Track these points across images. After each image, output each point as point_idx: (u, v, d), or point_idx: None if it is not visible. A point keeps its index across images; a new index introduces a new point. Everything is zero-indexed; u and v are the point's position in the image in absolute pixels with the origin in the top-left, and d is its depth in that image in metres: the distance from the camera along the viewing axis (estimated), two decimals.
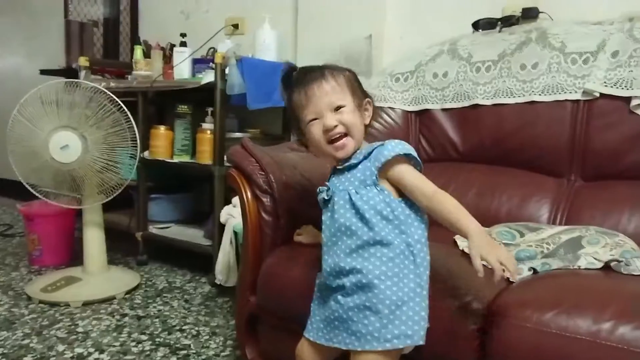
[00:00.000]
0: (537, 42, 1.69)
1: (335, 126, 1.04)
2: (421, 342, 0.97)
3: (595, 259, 1.16)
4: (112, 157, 2.06)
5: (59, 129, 1.99)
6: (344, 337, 1.01)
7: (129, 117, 2.05)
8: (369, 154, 1.05)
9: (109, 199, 2.14)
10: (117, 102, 2.03)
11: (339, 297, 1.03)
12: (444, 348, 1.05)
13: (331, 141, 1.05)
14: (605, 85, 1.54)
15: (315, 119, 1.05)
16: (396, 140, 1.06)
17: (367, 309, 0.99)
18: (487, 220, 1.53)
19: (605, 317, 0.93)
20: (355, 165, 1.06)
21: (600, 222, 1.42)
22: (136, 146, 2.09)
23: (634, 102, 1.49)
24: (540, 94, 1.64)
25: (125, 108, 2.05)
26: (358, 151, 1.08)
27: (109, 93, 2.03)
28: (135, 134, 2.07)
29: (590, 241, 1.21)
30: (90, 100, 2.03)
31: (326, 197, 1.09)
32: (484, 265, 0.93)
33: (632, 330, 0.90)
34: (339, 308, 1.02)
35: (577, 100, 1.59)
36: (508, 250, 1.23)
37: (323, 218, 1.11)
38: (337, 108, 1.04)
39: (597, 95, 1.55)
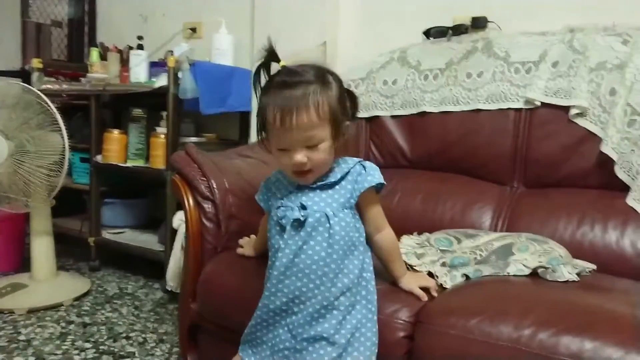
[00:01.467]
0: (483, 52, 1.72)
1: (305, 163, 0.96)
2: None
3: (524, 265, 1.18)
4: (45, 160, 1.99)
5: None
6: None
7: (57, 119, 1.98)
8: (347, 173, 1.01)
9: (52, 203, 2.09)
10: (47, 104, 1.97)
11: (292, 327, 1.00)
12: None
13: (297, 171, 0.99)
14: (546, 95, 1.58)
15: (285, 149, 0.97)
16: (371, 164, 1.04)
17: (324, 339, 0.97)
18: (432, 226, 1.56)
19: (526, 323, 0.95)
20: (332, 185, 1.01)
21: (539, 229, 1.44)
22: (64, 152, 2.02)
23: (572, 112, 1.53)
24: (484, 102, 1.67)
25: (54, 111, 1.97)
26: (330, 169, 1.02)
27: (39, 94, 1.96)
28: (63, 138, 2.00)
29: (520, 248, 1.23)
30: (23, 102, 1.97)
31: (302, 219, 0.98)
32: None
33: (550, 337, 0.92)
34: (291, 338, 1.00)
35: (520, 109, 1.62)
36: (443, 256, 1.25)
37: (279, 240, 1.02)
38: (313, 144, 0.95)
39: (538, 104, 1.58)
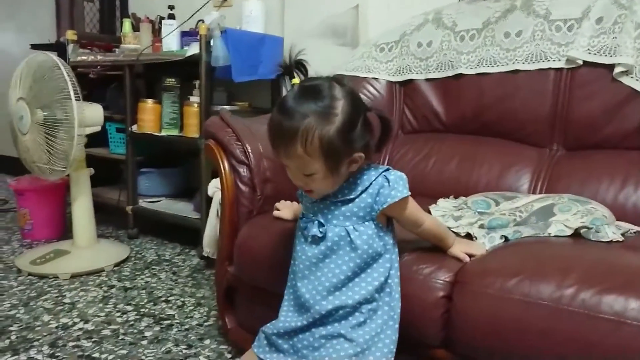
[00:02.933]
0: (522, 10, 1.66)
1: (303, 186, 0.98)
2: None
3: (565, 226, 1.15)
4: (55, 131, 2.00)
5: (19, 100, 2.02)
6: None
7: (71, 92, 1.95)
8: (367, 187, 0.97)
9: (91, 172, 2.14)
10: (69, 76, 1.96)
11: (311, 326, 1.00)
12: (411, 316, 1.05)
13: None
14: (589, 53, 1.51)
15: (287, 165, 0.97)
16: (398, 174, 0.99)
17: (342, 337, 0.97)
18: (467, 190, 1.54)
19: (567, 282, 0.93)
20: (352, 200, 0.98)
21: (579, 191, 1.40)
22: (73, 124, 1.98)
23: (617, 70, 1.46)
24: (523, 63, 1.62)
25: (70, 82, 1.94)
26: (352, 179, 0.98)
27: (61, 66, 1.96)
28: (73, 110, 1.95)
29: (561, 209, 1.20)
30: (48, 73, 1.99)
31: (320, 235, 0.98)
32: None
33: (593, 296, 0.90)
34: (310, 336, 1.00)
35: (560, 69, 1.57)
36: (481, 219, 1.23)
37: (302, 247, 1.03)
38: (307, 174, 0.94)
39: (580, 62, 1.53)
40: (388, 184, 0.97)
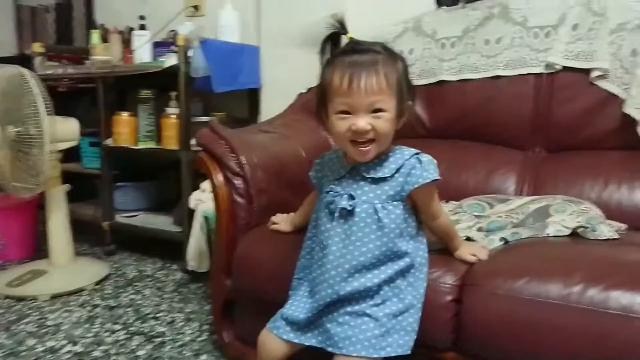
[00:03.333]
0: (500, 17, 1.71)
1: (367, 131, 0.93)
2: (408, 352, 0.99)
3: (563, 226, 1.19)
4: (28, 148, 1.93)
5: None
6: (334, 340, 0.98)
7: (39, 105, 1.86)
8: (401, 166, 0.99)
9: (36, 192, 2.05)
10: (39, 90, 1.88)
11: (336, 302, 1.01)
12: (421, 320, 1.06)
13: (355, 142, 0.96)
14: (567, 58, 1.58)
15: (346, 112, 0.94)
16: (429, 157, 1.01)
17: (366, 315, 0.98)
18: (457, 194, 1.57)
19: (574, 280, 0.97)
20: (384, 179, 0.99)
21: (565, 192, 1.46)
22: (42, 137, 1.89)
23: (593, 74, 1.54)
24: (504, 69, 1.67)
25: (43, 98, 1.87)
26: (384, 157, 1.00)
27: (31, 80, 1.88)
28: (42, 124, 1.87)
29: (557, 209, 1.25)
30: (16, 88, 1.91)
31: (349, 208, 0.98)
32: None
33: (600, 292, 0.94)
34: (333, 310, 1.00)
35: (540, 74, 1.63)
36: (478, 222, 1.26)
37: (327, 225, 1.02)
38: (376, 110, 0.93)
39: (559, 68, 1.59)
40: (420, 165, 0.99)
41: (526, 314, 0.98)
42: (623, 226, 1.28)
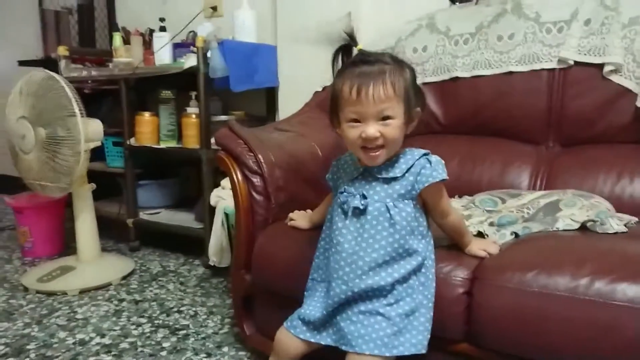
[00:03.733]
0: (513, 13, 1.73)
1: (376, 138, 0.98)
2: (423, 351, 1.03)
3: (572, 220, 1.22)
4: (58, 148, 2.02)
5: (20, 119, 2.03)
6: (348, 339, 1.02)
7: (74, 107, 1.96)
8: (411, 166, 1.03)
9: (91, 187, 2.14)
10: (71, 93, 1.98)
11: (350, 301, 1.04)
12: (434, 313, 1.09)
13: (365, 148, 1.00)
14: (579, 53, 1.59)
15: (356, 120, 0.99)
16: (438, 158, 1.06)
17: (379, 315, 1.02)
18: (469, 189, 1.60)
19: (582, 273, 0.99)
20: (396, 178, 1.03)
21: (578, 186, 1.48)
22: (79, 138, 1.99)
23: (606, 69, 1.54)
24: (517, 64, 1.69)
25: (72, 97, 1.96)
26: (395, 159, 1.04)
27: (63, 83, 1.98)
28: (77, 124, 1.97)
29: (567, 204, 1.27)
30: (47, 90, 2.00)
31: (361, 207, 1.03)
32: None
33: (607, 284, 0.96)
34: (348, 309, 1.05)
35: (553, 69, 1.64)
36: (490, 216, 1.29)
37: (341, 224, 1.06)
38: (385, 118, 0.98)
39: (572, 63, 1.60)
40: (430, 165, 1.04)
41: (535, 306, 1.01)
42: (634, 219, 1.29)
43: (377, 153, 1.00)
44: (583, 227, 1.22)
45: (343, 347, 1.04)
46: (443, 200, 1.09)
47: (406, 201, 1.04)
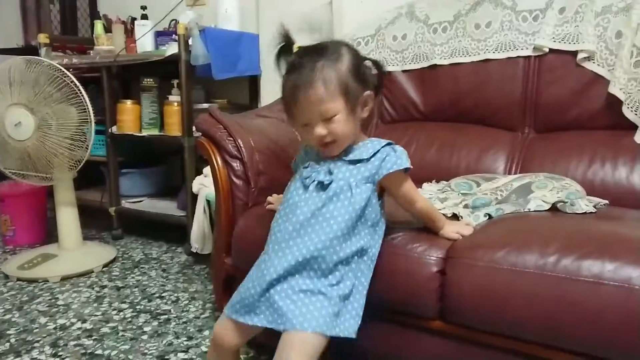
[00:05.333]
0: (490, 2, 1.76)
1: (324, 136, 1.02)
2: (354, 336, 1.02)
3: (543, 201, 1.25)
4: (66, 133, 2.05)
5: (12, 107, 2.00)
6: (288, 317, 0.98)
7: (80, 92, 2.03)
8: (378, 151, 1.06)
9: (75, 171, 2.15)
10: (68, 77, 2.02)
11: (294, 278, 1.02)
12: (409, 291, 1.13)
13: (322, 143, 1.05)
14: (554, 41, 1.62)
15: (306, 124, 1.04)
16: (401, 148, 1.08)
17: (321, 294, 1.00)
18: (448, 174, 1.63)
19: (550, 251, 1.02)
20: (361, 161, 1.06)
21: (551, 170, 1.51)
22: (89, 121, 2.06)
23: (580, 56, 1.58)
24: (494, 52, 1.72)
25: (77, 82, 2.02)
26: (362, 144, 1.08)
27: (61, 68, 2.01)
28: (87, 109, 2.04)
29: (539, 186, 1.30)
30: (44, 76, 2.01)
31: (326, 182, 1.04)
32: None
33: (574, 261, 0.99)
34: (288, 288, 1.01)
35: (529, 57, 1.67)
36: (464, 199, 1.32)
37: (297, 198, 1.07)
38: (329, 117, 1.01)
39: (547, 50, 1.63)
40: (394, 153, 1.07)
41: (505, 284, 1.04)
42: (604, 201, 1.33)
43: (331, 147, 1.05)
44: (554, 208, 1.25)
45: (281, 327, 0.99)
46: (406, 188, 1.11)
47: (368, 184, 1.06)
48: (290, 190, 1.12)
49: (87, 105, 2.03)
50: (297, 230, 1.04)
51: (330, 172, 1.06)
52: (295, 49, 1.08)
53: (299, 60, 1.02)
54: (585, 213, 1.20)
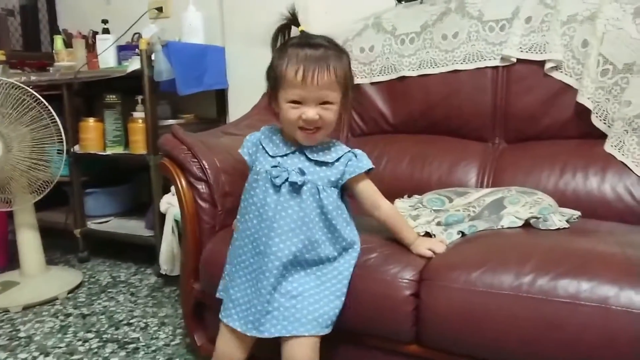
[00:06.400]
0: (457, 12, 1.74)
1: (316, 120, 1.02)
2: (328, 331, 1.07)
3: (516, 217, 1.23)
4: (38, 154, 1.98)
5: None
6: (284, 325, 1.03)
7: (50, 112, 1.96)
8: (341, 156, 1.08)
9: (40, 197, 2.06)
10: (35, 96, 1.94)
11: (285, 282, 1.05)
12: (383, 315, 1.10)
13: (303, 128, 1.04)
14: (521, 51, 1.62)
15: (297, 101, 1.02)
16: (361, 152, 1.12)
17: (300, 296, 1.05)
18: (421, 187, 1.60)
19: (525, 271, 1.00)
20: (326, 163, 1.08)
21: (523, 182, 1.50)
22: (62, 140, 2.01)
23: (547, 65, 1.57)
24: (462, 63, 1.70)
25: (45, 102, 1.96)
26: (326, 144, 1.10)
27: (25, 87, 1.94)
28: (59, 128, 1.99)
29: (511, 201, 1.28)
30: (6, 97, 1.93)
31: (299, 183, 1.04)
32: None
33: (549, 282, 0.97)
34: (284, 295, 1.04)
35: (497, 67, 1.66)
36: (437, 216, 1.29)
37: (269, 199, 1.06)
38: (324, 103, 1.02)
39: (514, 60, 1.63)
40: (355, 157, 1.10)
41: (481, 306, 1.01)
42: (577, 213, 1.32)
43: (314, 134, 1.05)
44: (527, 224, 1.23)
45: (284, 333, 1.03)
46: (371, 189, 1.13)
47: (333, 188, 1.08)
48: (255, 192, 1.09)
49: (59, 125, 1.97)
50: (276, 231, 1.04)
51: (302, 172, 1.05)
52: (298, 31, 1.11)
53: (314, 40, 1.03)
54: (559, 229, 1.19)
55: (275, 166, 1.08)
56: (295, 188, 1.05)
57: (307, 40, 1.03)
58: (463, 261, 1.08)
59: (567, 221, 1.22)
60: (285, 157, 1.09)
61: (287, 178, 1.05)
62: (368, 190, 1.12)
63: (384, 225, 1.16)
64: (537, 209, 1.24)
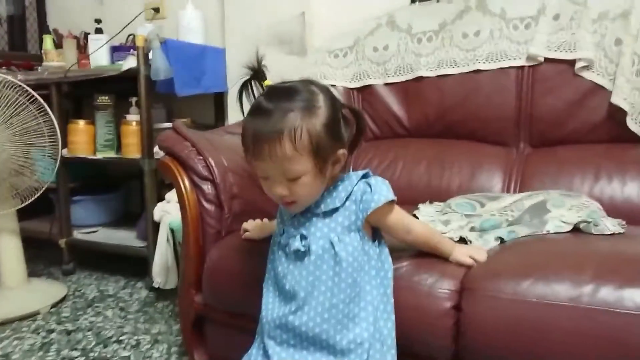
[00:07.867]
0: (477, 9, 1.65)
1: (285, 196, 0.87)
2: None
3: (562, 222, 1.11)
4: (28, 156, 1.83)
5: None
6: None
7: (46, 110, 1.82)
8: (350, 193, 0.90)
9: (26, 203, 1.91)
10: (29, 94, 1.81)
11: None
12: (418, 331, 0.97)
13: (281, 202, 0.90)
14: (549, 49, 1.52)
15: (266, 178, 0.87)
16: (379, 179, 0.93)
17: None
18: (440, 193, 1.49)
19: (584, 280, 0.88)
20: (336, 209, 0.90)
21: (553, 188, 1.39)
22: (55, 142, 1.86)
23: (578, 65, 1.48)
24: (484, 62, 1.60)
25: (40, 99, 1.83)
26: (333, 187, 0.91)
27: (20, 83, 1.80)
28: (53, 128, 1.84)
29: (555, 204, 1.17)
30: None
31: (302, 249, 0.89)
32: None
33: (614, 291, 0.85)
34: None
35: (522, 67, 1.56)
36: (470, 221, 1.17)
37: (280, 268, 0.93)
38: (293, 178, 0.85)
39: (542, 59, 1.53)
40: (370, 189, 0.90)
41: (533, 319, 0.89)
42: (622, 222, 1.20)
43: (295, 204, 0.88)
44: (575, 229, 1.11)
45: None
46: (396, 219, 0.95)
47: (352, 234, 0.90)
48: (275, 256, 0.96)
49: (54, 125, 1.85)
50: (290, 303, 0.91)
51: (304, 237, 0.90)
52: (265, 84, 0.92)
53: (266, 103, 0.84)
54: (612, 234, 1.07)
55: (283, 232, 0.95)
56: (304, 254, 0.90)
57: (261, 105, 0.84)
58: (509, 269, 0.96)
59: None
60: (293, 219, 0.94)
61: (292, 246, 0.91)
62: (397, 223, 0.95)
63: (421, 247, 1.02)
64: (586, 212, 1.12)
